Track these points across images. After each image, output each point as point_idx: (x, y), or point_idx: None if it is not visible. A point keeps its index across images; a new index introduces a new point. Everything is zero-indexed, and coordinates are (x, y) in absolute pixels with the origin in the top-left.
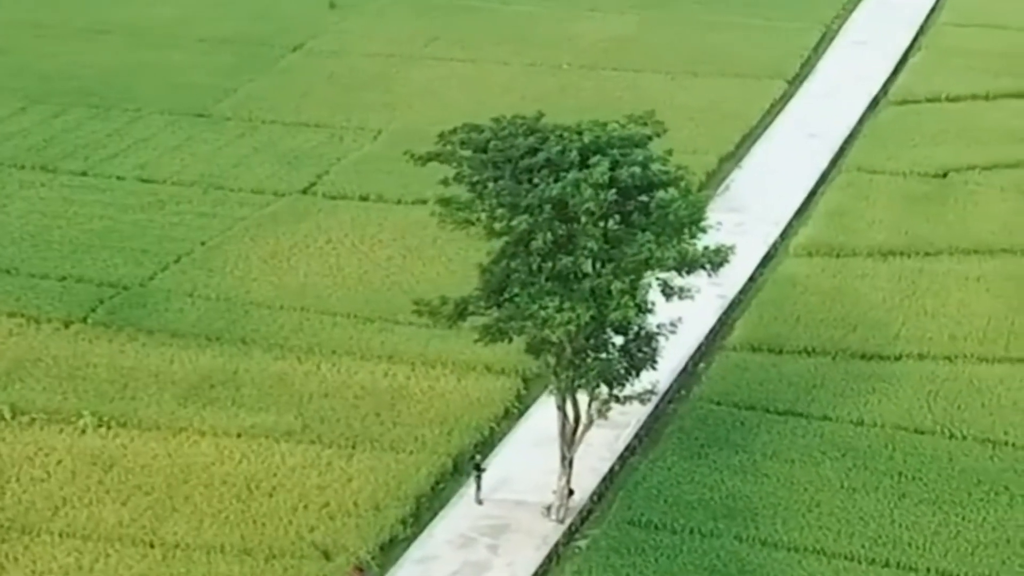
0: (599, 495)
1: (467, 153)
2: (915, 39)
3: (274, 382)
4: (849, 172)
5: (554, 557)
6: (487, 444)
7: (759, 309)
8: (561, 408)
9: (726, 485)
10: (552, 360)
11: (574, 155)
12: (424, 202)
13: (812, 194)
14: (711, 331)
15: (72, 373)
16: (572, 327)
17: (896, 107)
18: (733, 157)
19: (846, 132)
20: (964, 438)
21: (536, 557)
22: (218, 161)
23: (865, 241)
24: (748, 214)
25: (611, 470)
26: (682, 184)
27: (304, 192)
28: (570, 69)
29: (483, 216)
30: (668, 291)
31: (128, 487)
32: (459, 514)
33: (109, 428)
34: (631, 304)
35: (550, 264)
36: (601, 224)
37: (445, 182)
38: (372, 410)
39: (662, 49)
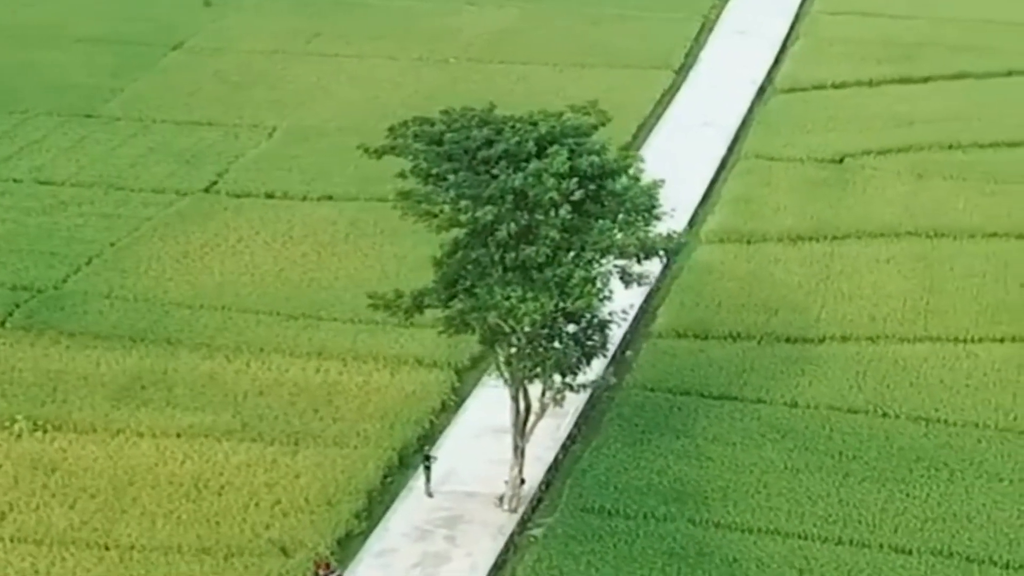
0: (547, 484)
1: (421, 146)
2: (792, 28)
3: (205, 381)
4: (748, 159)
5: (511, 546)
6: (428, 437)
7: (679, 296)
8: (515, 398)
9: (672, 470)
10: (506, 350)
11: (531, 145)
12: (331, 198)
13: (713, 181)
14: (634, 319)
15: None
16: (537, 316)
17: (784, 95)
18: (631, 147)
19: (738, 120)
20: (897, 417)
21: (494, 547)
22: (114, 161)
23: (773, 227)
24: None
25: (556, 459)
26: (631, 171)
27: (206, 191)
28: (457, 63)
29: (447, 208)
30: (627, 278)
31: (73, 490)
32: (411, 507)
33: (45, 432)
34: (594, 292)
35: (513, 254)
36: (554, 213)
37: (402, 175)
38: (309, 406)
39: (546, 41)
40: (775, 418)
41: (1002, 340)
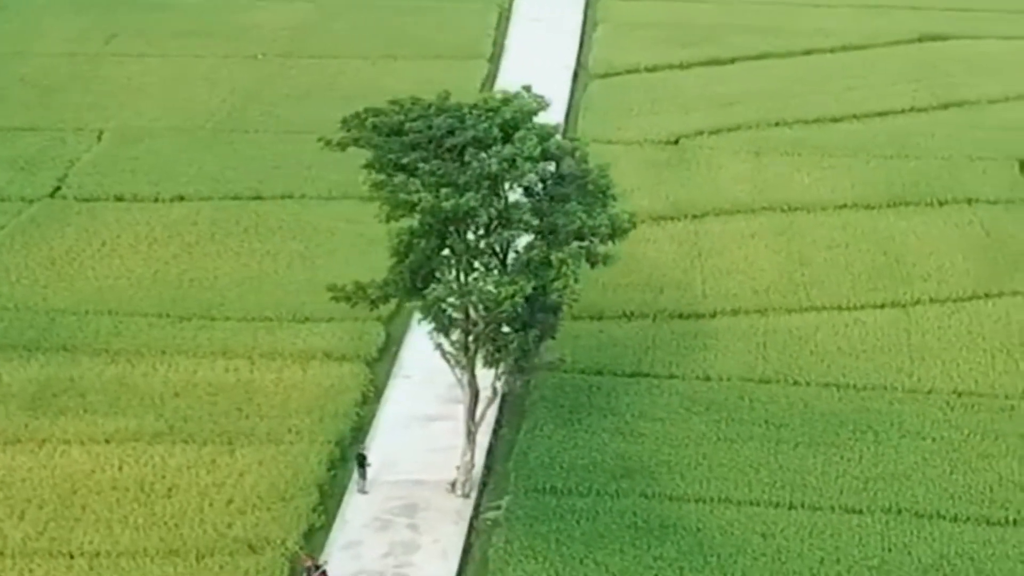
0: (487, 468)
1: (380, 137)
2: (585, 14)
3: (117, 386)
4: (586, 144)
5: (473, 531)
6: (360, 430)
7: None
8: (471, 384)
9: (611, 447)
10: (463, 337)
11: (496, 131)
12: (183, 198)
13: None
14: None
15: None
16: (519, 299)
17: (600, 80)
18: None
19: (564, 106)
20: (808, 384)
21: (458, 532)
22: None
23: (633, 208)
24: None
25: (490, 444)
26: (577, 154)
27: (52, 196)
28: (266, 59)
29: (428, 196)
30: (593, 259)
31: (18, 501)
32: (364, 499)
33: None
34: (571, 273)
35: (490, 239)
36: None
37: (369, 166)
38: (232, 406)
39: (349, 34)
40: (693, 392)
41: (882, 306)
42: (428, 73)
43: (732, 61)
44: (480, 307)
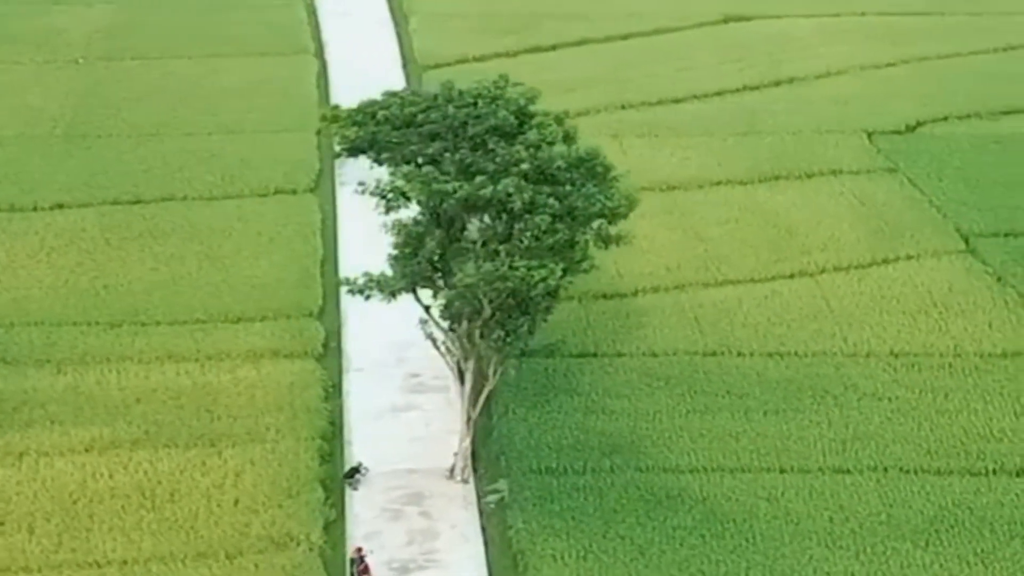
0: (472, 453)
1: (392, 130)
2: (391, 7)
3: (74, 396)
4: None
5: (483, 514)
6: (334, 424)
7: None
8: (473, 372)
9: (589, 425)
10: (468, 324)
11: (512, 119)
12: (62, 206)
13: None
14: None
15: None
16: (552, 282)
17: (432, 70)
18: (323, 132)
19: None
20: (751, 355)
21: (471, 516)
22: None
23: None
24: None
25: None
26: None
27: None
28: (88, 62)
29: (465, 185)
30: (607, 240)
31: (22, 515)
32: (365, 491)
33: None
34: (593, 255)
35: (520, 225)
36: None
37: (392, 161)
38: (199, 408)
39: (164, 34)
40: (646, 368)
41: (792, 276)
42: (261, 70)
43: (554, 48)
44: (500, 293)
